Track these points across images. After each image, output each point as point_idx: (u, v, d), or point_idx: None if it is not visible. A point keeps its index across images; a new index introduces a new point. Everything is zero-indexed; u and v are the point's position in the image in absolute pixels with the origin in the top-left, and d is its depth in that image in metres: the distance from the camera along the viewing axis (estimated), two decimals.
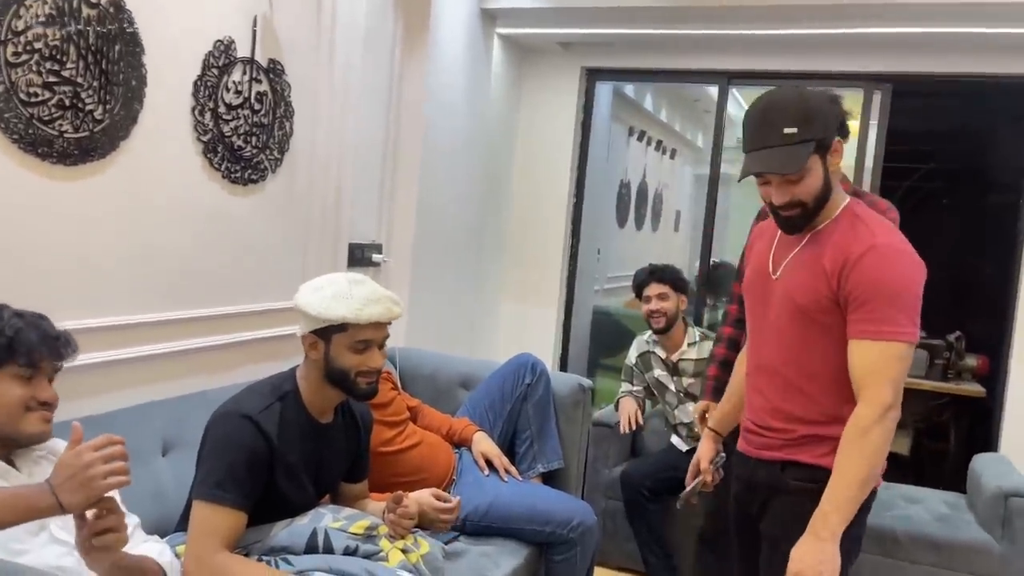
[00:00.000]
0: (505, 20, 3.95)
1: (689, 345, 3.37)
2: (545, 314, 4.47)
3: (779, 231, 1.83)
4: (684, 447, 3.36)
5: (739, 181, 1.73)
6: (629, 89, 5.85)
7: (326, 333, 1.85)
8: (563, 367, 4.51)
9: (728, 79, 4.14)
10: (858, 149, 3.98)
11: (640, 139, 6.51)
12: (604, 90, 4.68)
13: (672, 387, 3.39)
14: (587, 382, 3.05)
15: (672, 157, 7.52)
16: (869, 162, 3.99)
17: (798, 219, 1.72)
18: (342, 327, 1.84)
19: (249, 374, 2.44)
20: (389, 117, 3.37)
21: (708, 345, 3.27)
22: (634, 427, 3.40)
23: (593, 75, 4.42)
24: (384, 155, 3.38)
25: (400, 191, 3.45)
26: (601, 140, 4.81)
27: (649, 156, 6.85)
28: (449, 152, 3.72)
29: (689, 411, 3.35)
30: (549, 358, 4.43)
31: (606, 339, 5.25)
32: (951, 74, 3.70)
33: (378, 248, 3.37)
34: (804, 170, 1.63)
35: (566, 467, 2.89)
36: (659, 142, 6.98)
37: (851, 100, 4.27)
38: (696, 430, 3.30)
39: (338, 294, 1.83)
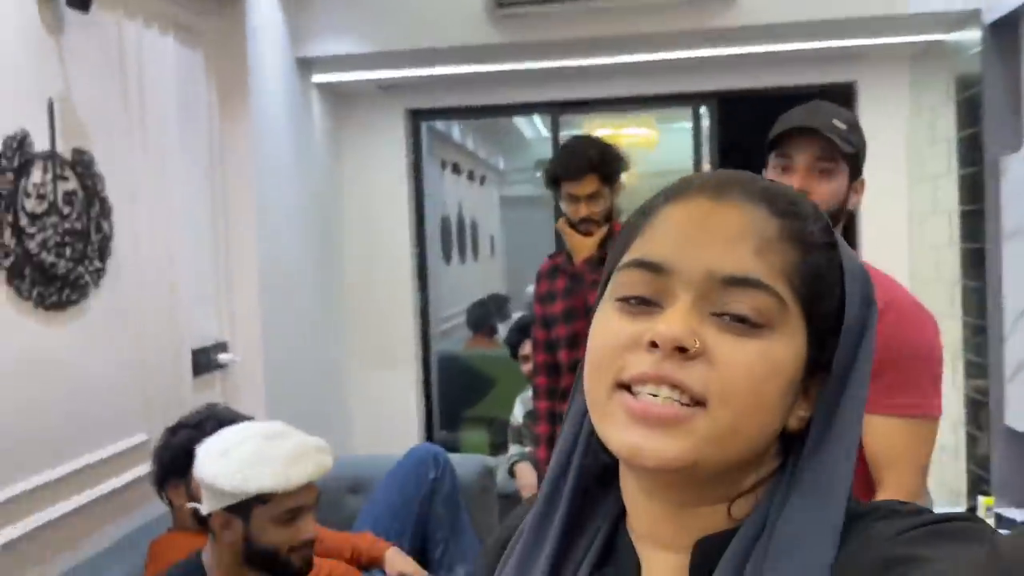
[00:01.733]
0: (322, 67, 3.56)
1: None
2: (402, 375, 4.11)
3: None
4: None
5: (770, 141, 1.47)
6: (439, 123, 5.63)
7: (243, 508, 1.44)
8: (429, 435, 4.17)
9: (559, 109, 4.02)
10: (694, 166, 4.02)
11: (454, 171, 6.31)
12: (422, 129, 4.41)
13: None
14: (491, 461, 2.77)
15: (482, 184, 7.40)
16: (706, 168, 4.05)
17: None
18: (264, 498, 1.43)
19: (105, 538, 1.92)
20: (215, 192, 2.88)
21: None
22: None
23: (417, 116, 4.14)
24: (215, 236, 2.89)
25: (238, 273, 2.97)
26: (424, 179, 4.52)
27: (461, 186, 6.67)
28: (284, 219, 3.28)
29: None
30: (413, 427, 4.09)
31: (459, 387, 4.97)
32: (774, 88, 3.81)
33: (223, 347, 2.88)
34: (837, 168, 1.44)
35: None
36: (470, 171, 6.82)
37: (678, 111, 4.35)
38: None
39: (254, 457, 1.43)
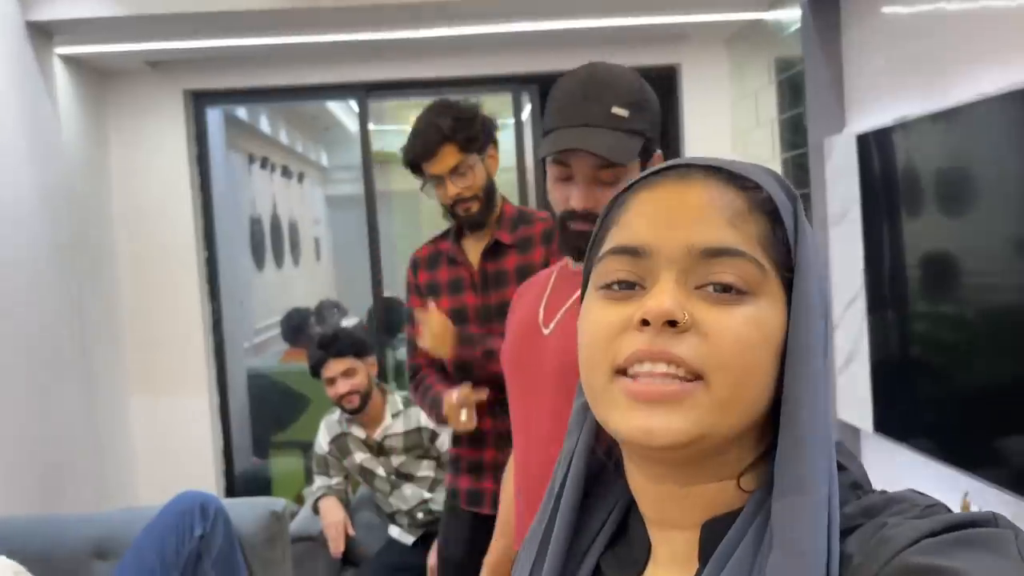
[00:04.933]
0: (66, 36, 2.95)
1: (393, 417, 2.76)
2: (192, 402, 3.54)
3: (553, 276, 1.36)
4: (409, 539, 2.77)
5: (542, 158, 1.25)
6: (242, 112, 5.04)
7: None
8: (228, 468, 3.62)
9: (367, 91, 3.59)
10: (516, 152, 3.72)
11: (263, 166, 5.72)
12: (213, 116, 3.84)
13: (381, 471, 2.76)
14: (280, 504, 2.30)
15: (300, 181, 6.82)
16: (529, 161, 3.76)
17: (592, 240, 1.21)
18: None
19: None
20: None
21: (416, 412, 2.71)
22: (344, 545, 2.71)
23: (200, 99, 3.58)
24: None
25: None
26: (219, 173, 3.95)
27: (276, 184, 6.08)
28: (12, 221, 2.66)
29: (407, 495, 2.76)
30: (209, 460, 3.53)
31: (270, 408, 4.42)
32: None
33: None
34: (622, 172, 1.20)
35: None
36: (284, 167, 6.24)
37: (500, 103, 4.04)
38: (419, 516, 2.76)
39: None
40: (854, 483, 0.55)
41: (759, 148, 3.33)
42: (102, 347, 3.28)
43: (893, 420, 2.43)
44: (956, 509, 1.64)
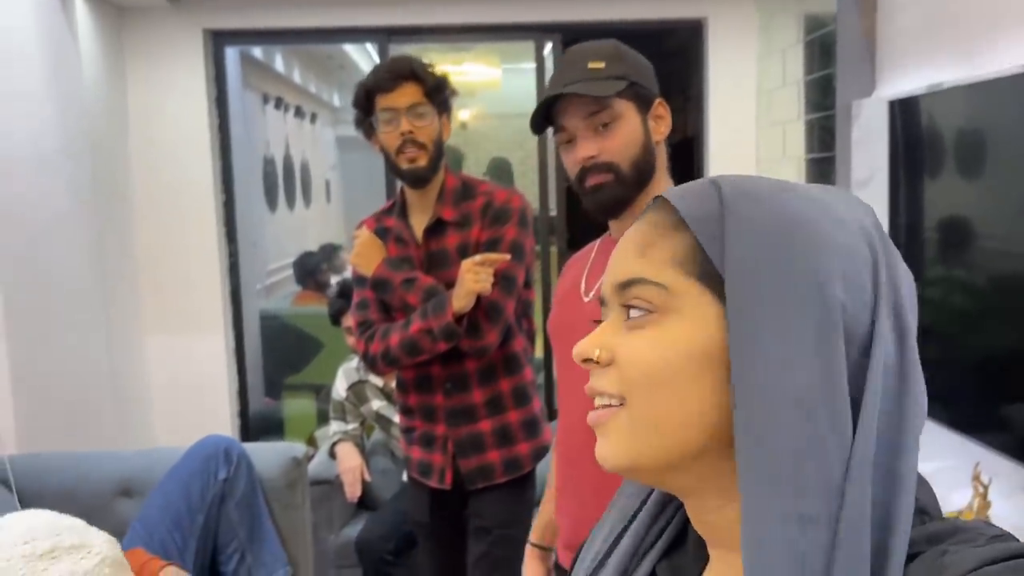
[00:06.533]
0: None
1: None
2: (208, 342, 3.57)
3: (596, 246, 1.39)
4: None
5: (533, 127, 1.33)
6: (257, 51, 4.97)
7: None
8: (243, 409, 3.67)
9: (388, 35, 3.54)
10: (539, 99, 3.67)
11: (277, 107, 5.67)
12: (231, 55, 3.79)
13: (398, 418, 2.80)
14: (300, 450, 2.34)
15: (312, 122, 6.76)
16: None
17: (611, 192, 1.27)
18: None
19: None
20: None
21: None
22: (360, 490, 2.77)
23: (220, 39, 3.53)
24: None
25: None
26: (236, 113, 3.92)
27: (289, 124, 6.03)
28: (37, 164, 2.65)
29: None
30: (225, 401, 3.58)
31: (283, 350, 4.46)
32: (620, 21, 3.50)
33: None
34: (615, 113, 1.26)
35: (295, 572, 2.20)
36: (298, 107, 6.18)
37: (522, 50, 3.98)
38: None
39: None
40: (920, 509, 0.53)
41: (784, 108, 3.29)
42: (120, 287, 3.30)
43: None
44: (967, 479, 1.66)
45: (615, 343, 0.56)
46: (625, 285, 0.56)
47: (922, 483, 0.55)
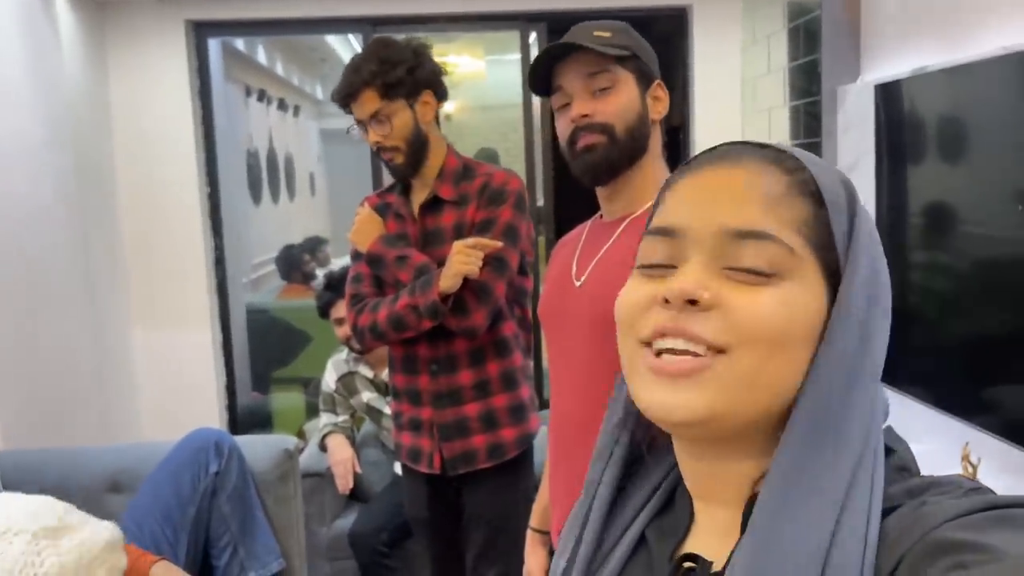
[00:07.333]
0: None
1: None
2: (195, 336, 3.55)
3: (586, 229, 1.37)
4: None
5: (532, 86, 1.32)
6: (239, 42, 4.93)
7: None
8: (231, 403, 3.65)
9: (373, 25, 3.51)
10: (524, 90, 3.67)
11: (260, 99, 5.63)
12: (212, 47, 3.75)
13: (388, 409, 2.80)
14: (291, 442, 2.33)
15: (296, 115, 6.71)
16: (536, 100, 3.71)
17: (603, 152, 1.27)
18: None
19: None
20: None
21: None
22: (352, 482, 2.76)
23: (203, 30, 3.50)
24: None
25: None
26: (218, 105, 3.88)
27: (272, 117, 5.99)
28: (19, 158, 2.62)
29: None
30: (212, 395, 3.55)
31: (270, 344, 4.43)
32: (605, 9, 3.49)
33: None
34: (615, 78, 1.27)
35: (288, 564, 2.19)
36: (281, 100, 6.14)
37: (506, 41, 3.96)
38: None
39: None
40: (901, 466, 0.56)
41: (769, 95, 3.30)
42: (105, 280, 3.27)
43: (898, 369, 2.48)
44: (957, 459, 1.67)
45: (724, 292, 0.53)
46: (745, 235, 0.54)
47: (901, 441, 0.58)
